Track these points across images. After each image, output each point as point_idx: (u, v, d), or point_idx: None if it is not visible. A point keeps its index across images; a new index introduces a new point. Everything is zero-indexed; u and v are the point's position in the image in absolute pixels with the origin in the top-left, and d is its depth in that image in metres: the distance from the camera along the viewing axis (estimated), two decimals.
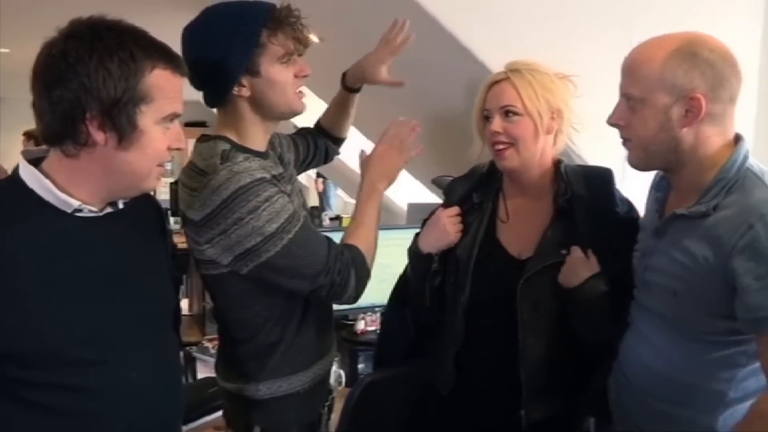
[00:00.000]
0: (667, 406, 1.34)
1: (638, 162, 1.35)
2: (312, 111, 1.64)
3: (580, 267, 1.50)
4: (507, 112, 1.53)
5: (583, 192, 1.57)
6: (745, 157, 1.27)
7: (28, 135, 4.78)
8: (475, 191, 1.66)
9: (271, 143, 1.58)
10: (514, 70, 1.54)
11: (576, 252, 1.50)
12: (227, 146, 1.44)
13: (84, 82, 1.06)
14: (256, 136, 1.49)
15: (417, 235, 1.70)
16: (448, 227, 1.61)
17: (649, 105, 1.26)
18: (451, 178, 1.83)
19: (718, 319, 1.26)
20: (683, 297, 1.29)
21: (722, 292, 1.23)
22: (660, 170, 1.39)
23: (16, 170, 1.14)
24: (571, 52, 1.76)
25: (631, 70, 1.30)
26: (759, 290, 1.18)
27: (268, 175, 1.41)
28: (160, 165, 1.17)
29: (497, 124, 1.53)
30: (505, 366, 1.56)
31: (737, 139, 1.30)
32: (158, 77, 1.11)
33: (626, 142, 1.35)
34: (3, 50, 5.76)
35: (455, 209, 1.64)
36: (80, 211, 1.13)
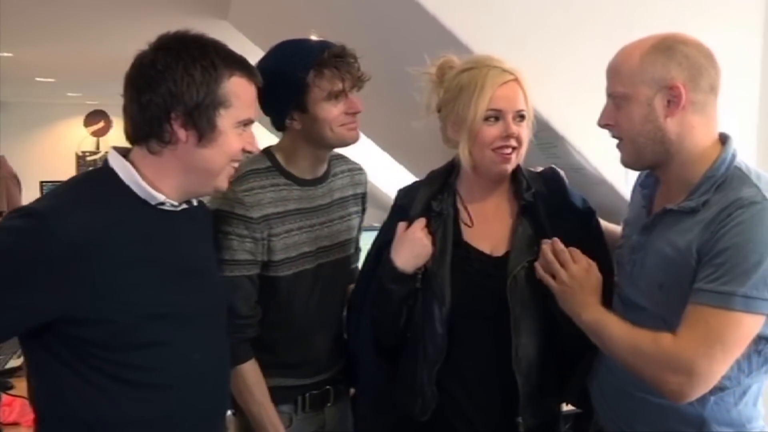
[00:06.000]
0: (655, 398, 1.34)
1: (630, 159, 1.40)
2: None
3: None
4: (521, 116, 1.50)
5: (542, 189, 1.58)
6: (734, 156, 1.32)
7: None
8: (433, 199, 1.59)
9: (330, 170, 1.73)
10: (513, 70, 1.50)
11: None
12: (265, 165, 1.62)
13: (170, 87, 1.20)
14: (302, 163, 1.65)
15: (375, 260, 1.63)
16: (425, 239, 1.53)
17: (633, 99, 1.33)
18: None
19: None
20: (669, 289, 1.31)
21: None
22: (651, 166, 1.41)
23: (106, 161, 1.28)
24: (572, 53, 1.77)
25: (613, 70, 1.37)
26: (720, 264, 1.22)
27: (253, 215, 1.55)
28: (232, 164, 1.31)
29: (514, 127, 1.48)
30: (496, 372, 1.53)
31: (724, 138, 1.35)
32: (235, 84, 1.26)
33: (619, 143, 1.40)
34: (5, 54, 5.76)
35: (424, 220, 1.55)
36: (163, 204, 1.27)
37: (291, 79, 1.53)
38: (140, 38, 1.26)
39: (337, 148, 1.67)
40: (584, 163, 1.85)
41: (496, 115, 1.48)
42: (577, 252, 1.46)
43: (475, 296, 1.55)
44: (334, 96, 1.56)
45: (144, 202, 1.25)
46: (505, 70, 1.50)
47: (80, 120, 10.46)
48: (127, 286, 1.19)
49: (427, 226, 1.55)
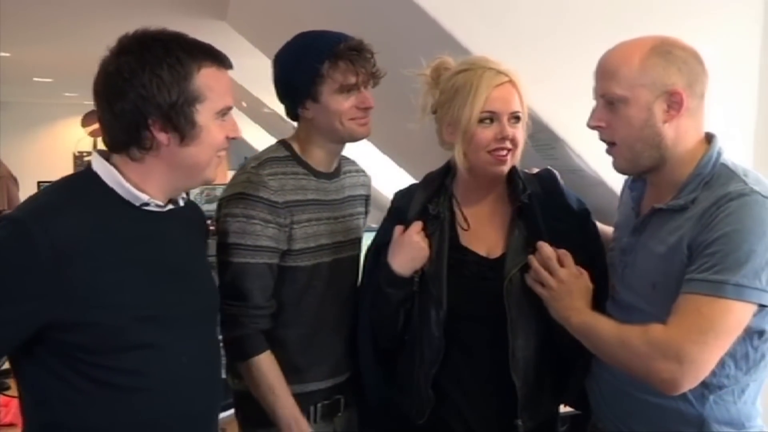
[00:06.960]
0: (654, 398, 1.34)
1: (625, 164, 1.39)
2: None
3: None
4: (516, 118, 1.50)
5: (538, 190, 1.58)
6: (719, 153, 1.34)
7: None
8: (429, 202, 1.58)
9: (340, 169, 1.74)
10: (508, 72, 1.49)
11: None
12: (283, 154, 1.63)
13: (141, 92, 1.18)
14: (316, 153, 1.66)
15: (373, 262, 1.63)
16: (422, 243, 1.53)
17: (632, 103, 1.32)
18: None
19: None
20: (663, 287, 1.31)
21: None
22: (645, 171, 1.40)
23: (89, 165, 1.26)
24: (571, 54, 1.76)
25: (609, 71, 1.34)
26: (711, 254, 1.23)
27: (278, 199, 1.55)
28: (218, 154, 1.28)
29: (509, 129, 1.48)
30: (494, 374, 1.53)
31: (710, 137, 1.36)
32: (206, 76, 1.22)
33: (611, 147, 1.39)
34: (3, 54, 5.75)
35: (420, 224, 1.55)
36: (148, 205, 1.25)
37: (306, 68, 1.55)
38: None
39: (348, 142, 1.68)
40: (583, 164, 1.85)
41: (491, 117, 1.48)
42: (566, 256, 1.45)
43: (472, 299, 1.55)
44: (347, 89, 1.57)
45: (128, 204, 1.23)
46: (500, 72, 1.49)
47: (78, 120, 10.45)
48: (112, 289, 1.17)
49: (424, 229, 1.55)
